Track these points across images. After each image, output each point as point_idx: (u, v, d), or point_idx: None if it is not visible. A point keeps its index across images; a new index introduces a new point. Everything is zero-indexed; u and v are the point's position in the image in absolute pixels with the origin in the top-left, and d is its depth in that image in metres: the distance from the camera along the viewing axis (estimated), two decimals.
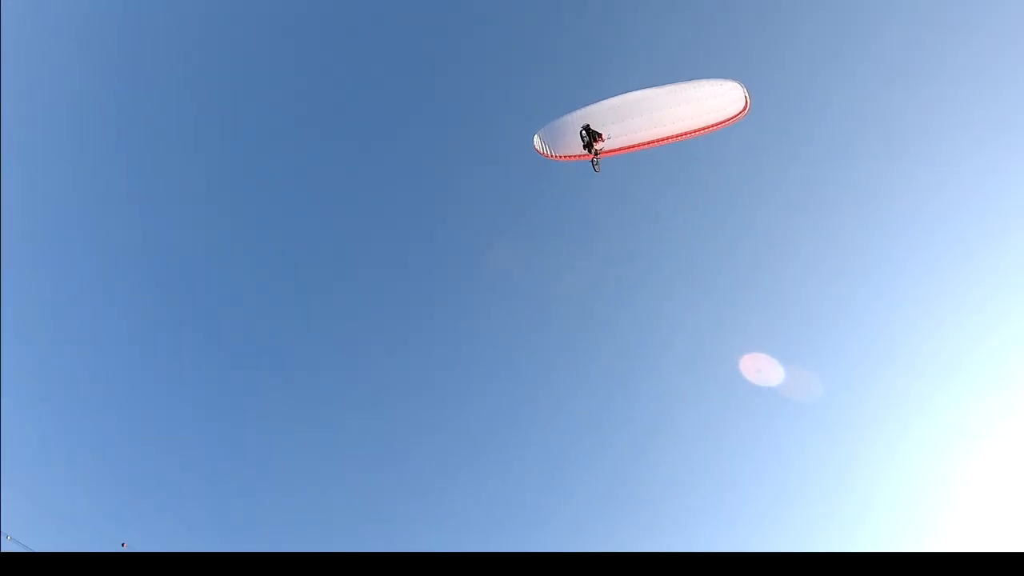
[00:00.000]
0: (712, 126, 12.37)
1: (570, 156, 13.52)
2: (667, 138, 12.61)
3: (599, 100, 13.73)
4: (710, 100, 12.40)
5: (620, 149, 13.29)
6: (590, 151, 15.69)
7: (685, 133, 12.48)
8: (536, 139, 14.05)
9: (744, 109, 12.62)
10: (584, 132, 15.57)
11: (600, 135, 15.40)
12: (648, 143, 12.46)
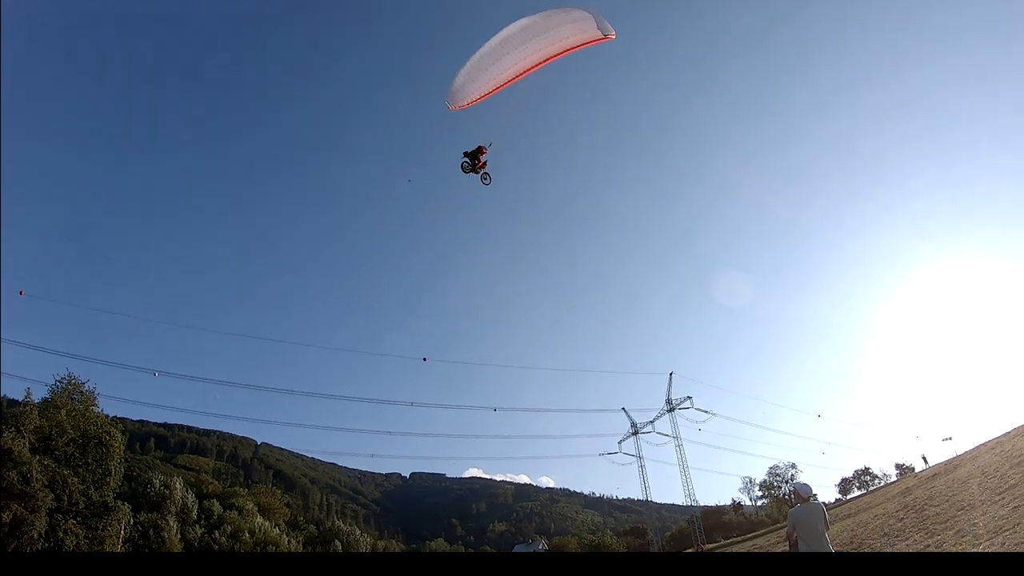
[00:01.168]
0: (573, 48, 12.05)
1: (479, 97, 12.50)
2: (534, 67, 12.19)
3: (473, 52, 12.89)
4: (565, 27, 12.02)
5: (499, 87, 12.42)
6: (475, 168, 15.49)
7: (549, 59, 12.09)
8: (447, 103, 12.92)
9: (600, 36, 12.02)
10: (465, 160, 15.38)
11: (481, 148, 15.26)
12: (519, 76, 12.10)
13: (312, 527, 78.76)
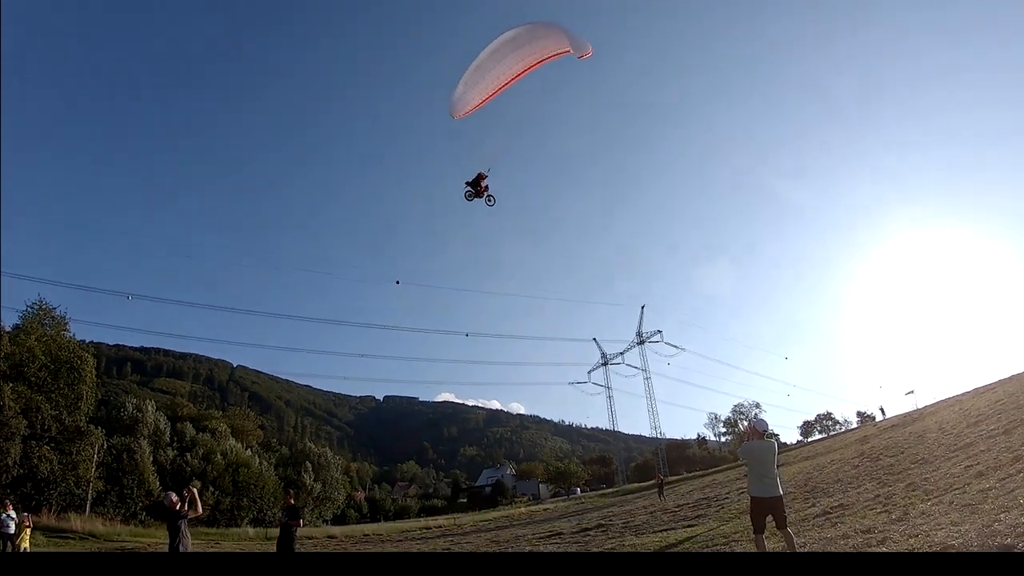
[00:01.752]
0: (553, 57, 12.72)
1: (477, 105, 13.44)
2: (521, 74, 12.95)
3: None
4: (547, 40, 12.73)
5: (493, 95, 13.31)
6: (479, 193, 16.26)
7: (533, 67, 12.97)
8: (450, 114, 13.85)
9: (574, 51, 12.47)
10: (467, 188, 16.20)
11: (481, 175, 16.01)
12: (508, 83, 12.98)
13: (284, 449, 79.45)
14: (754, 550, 10.00)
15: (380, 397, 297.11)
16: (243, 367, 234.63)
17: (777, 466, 9.46)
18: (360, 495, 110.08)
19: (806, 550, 10.78)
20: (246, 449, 61.48)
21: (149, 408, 55.51)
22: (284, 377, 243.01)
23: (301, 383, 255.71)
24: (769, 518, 9.19)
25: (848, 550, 9.43)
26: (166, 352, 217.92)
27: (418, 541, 32.43)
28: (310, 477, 69.05)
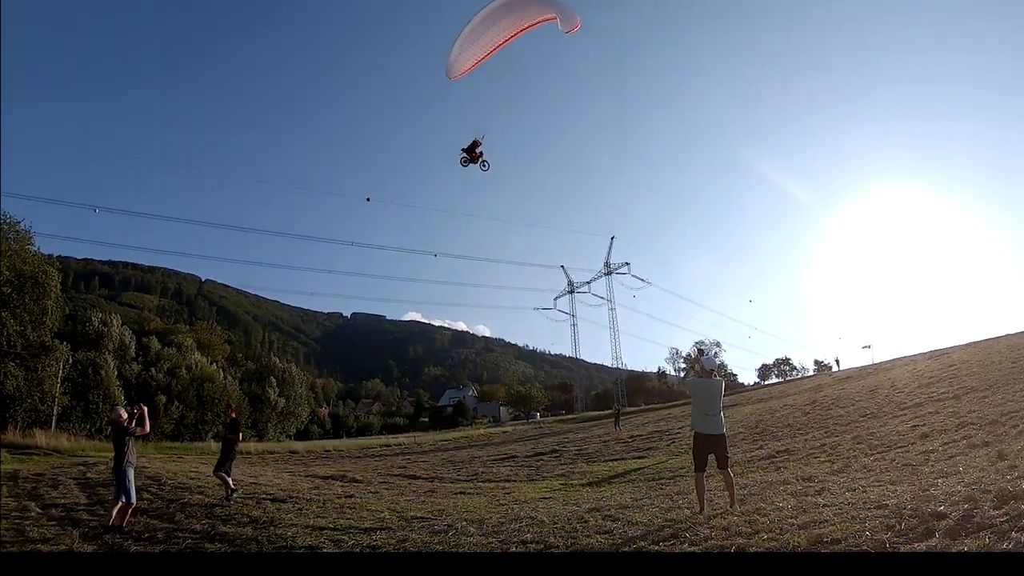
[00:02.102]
0: (541, 22, 13.04)
1: (471, 66, 13.78)
2: (512, 37, 13.26)
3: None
4: (535, 7, 13.03)
5: (486, 56, 13.64)
6: (475, 159, 16.70)
7: (523, 30, 13.22)
8: (447, 75, 14.17)
9: (561, 24, 12.72)
10: (463, 155, 16.64)
11: (476, 142, 16.46)
12: (500, 45, 13.35)
13: (250, 364, 79.01)
14: (693, 487, 10.15)
15: (348, 314, 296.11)
16: (212, 281, 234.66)
17: (724, 406, 9.48)
18: (324, 411, 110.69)
19: (745, 492, 10.99)
20: (211, 364, 61.05)
21: (115, 323, 54.62)
22: (253, 292, 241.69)
23: (270, 298, 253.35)
24: (712, 457, 9.21)
25: (786, 496, 9.56)
26: (134, 266, 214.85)
27: (376, 458, 32.80)
28: (274, 392, 68.61)
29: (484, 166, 16.72)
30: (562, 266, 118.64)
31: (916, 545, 5.55)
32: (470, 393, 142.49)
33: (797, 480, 11.63)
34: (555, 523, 9.33)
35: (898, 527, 6.19)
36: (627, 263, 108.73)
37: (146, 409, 11.87)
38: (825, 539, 6.22)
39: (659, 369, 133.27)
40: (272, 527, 10.27)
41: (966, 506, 6.41)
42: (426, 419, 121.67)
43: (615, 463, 21.96)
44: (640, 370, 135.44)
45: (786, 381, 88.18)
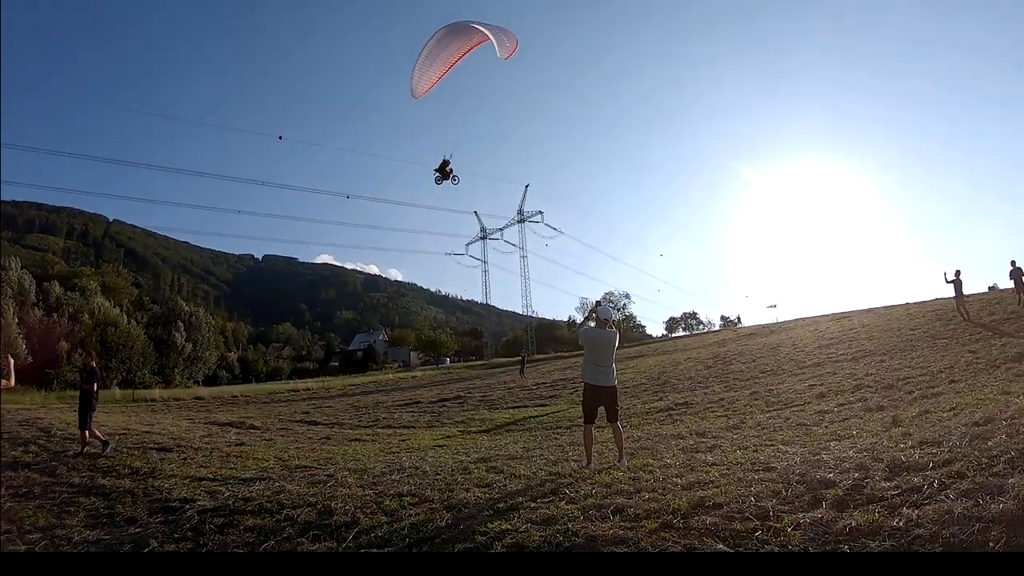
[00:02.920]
0: (479, 43, 14.02)
1: (440, 75, 14.63)
2: (465, 54, 14.28)
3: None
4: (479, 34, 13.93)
5: (441, 76, 14.61)
6: (447, 176, 18.04)
7: (468, 50, 14.29)
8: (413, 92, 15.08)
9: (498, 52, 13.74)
10: (436, 174, 17.99)
11: (446, 161, 17.88)
12: (459, 60, 14.33)
13: (156, 307, 76.34)
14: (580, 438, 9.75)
15: (259, 256, 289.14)
16: (120, 222, 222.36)
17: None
18: (233, 356, 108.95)
19: (638, 445, 10.68)
20: (115, 307, 58.54)
21: (13, 265, 51.47)
22: (162, 233, 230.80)
23: (180, 239, 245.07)
24: (602, 410, 8.88)
25: (677, 452, 9.30)
26: (39, 206, 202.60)
27: (282, 404, 32.52)
28: (181, 337, 66.75)
29: (455, 180, 18.13)
30: (475, 212, 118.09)
31: (801, 515, 5.15)
32: (381, 338, 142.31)
33: (691, 435, 11.41)
34: (438, 474, 9.04)
35: (784, 494, 5.82)
36: (540, 212, 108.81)
37: (12, 362, 10.82)
38: (708, 502, 5.85)
39: (569, 318, 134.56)
40: (151, 478, 9.90)
41: (856, 475, 6.04)
42: (336, 364, 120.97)
43: (516, 410, 21.98)
44: (551, 318, 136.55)
45: (692, 335, 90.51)
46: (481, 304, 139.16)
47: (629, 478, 7.44)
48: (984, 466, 5.58)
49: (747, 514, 5.36)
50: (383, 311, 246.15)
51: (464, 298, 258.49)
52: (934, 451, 6.46)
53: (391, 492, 7.78)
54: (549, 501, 6.70)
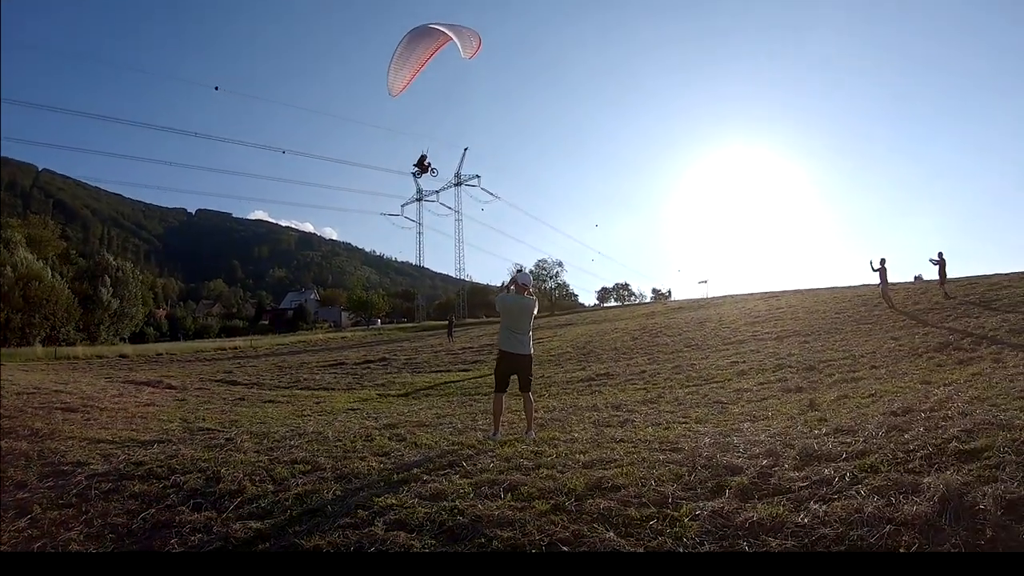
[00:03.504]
0: (443, 44, 14.58)
1: (412, 75, 15.09)
2: (432, 54, 14.81)
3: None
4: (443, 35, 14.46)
5: (413, 76, 15.07)
6: (425, 169, 18.98)
7: (435, 51, 14.83)
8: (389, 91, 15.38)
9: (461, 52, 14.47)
10: (415, 169, 19.03)
11: (423, 156, 18.82)
12: (427, 60, 14.85)
13: (82, 260, 73.29)
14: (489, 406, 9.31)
15: (192, 211, 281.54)
16: (49, 171, 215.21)
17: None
18: (162, 313, 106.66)
19: (551, 416, 10.30)
20: (39, 260, 55.89)
21: None
22: (93, 184, 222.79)
23: (111, 191, 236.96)
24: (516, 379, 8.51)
25: (588, 426, 8.99)
26: None
27: (207, 363, 32.01)
28: (108, 292, 64.14)
29: (433, 172, 19.36)
30: (412, 173, 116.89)
31: (701, 504, 4.73)
32: (312, 297, 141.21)
33: (607, 407, 11.05)
34: (339, 440, 8.61)
35: (688, 478, 5.41)
36: (478, 176, 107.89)
37: None
38: (606, 484, 5.44)
39: (503, 283, 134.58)
40: (49, 440, 9.16)
41: (765, 461, 5.64)
42: (266, 322, 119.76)
43: (439, 374, 21.82)
44: (484, 283, 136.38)
45: (624, 305, 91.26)
46: (415, 266, 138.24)
47: (531, 452, 7.09)
48: (899, 461, 5.22)
49: (645, 499, 4.96)
50: (317, 270, 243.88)
51: (399, 259, 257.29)
52: (848, 440, 6.11)
53: (286, 459, 7.42)
54: (444, 474, 6.35)
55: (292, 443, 8.49)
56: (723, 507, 4.61)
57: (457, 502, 5.33)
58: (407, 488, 5.88)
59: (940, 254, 24.37)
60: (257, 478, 6.61)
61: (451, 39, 13.62)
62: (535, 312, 8.67)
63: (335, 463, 7.08)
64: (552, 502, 5.15)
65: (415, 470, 6.58)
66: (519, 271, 9.09)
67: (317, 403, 15.32)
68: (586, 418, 9.82)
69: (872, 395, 9.20)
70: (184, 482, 6.61)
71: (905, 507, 4.20)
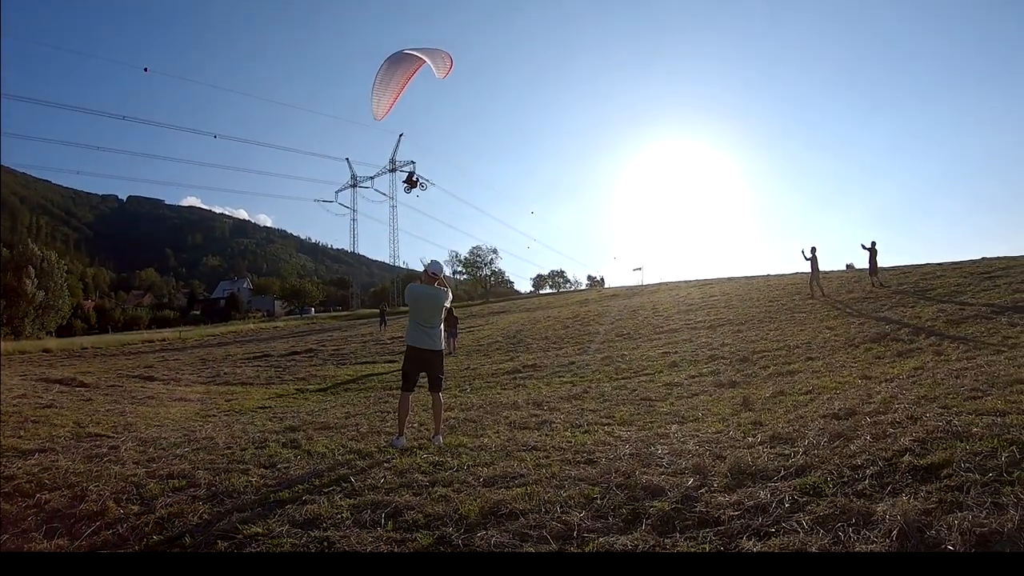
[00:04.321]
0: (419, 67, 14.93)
1: (393, 99, 15.44)
2: (410, 77, 15.12)
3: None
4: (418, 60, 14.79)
5: (397, 98, 15.36)
6: (415, 184, 19.47)
7: (412, 75, 15.16)
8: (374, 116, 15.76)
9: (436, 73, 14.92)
10: (405, 185, 19.57)
11: (411, 173, 20.01)
12: (406, 83, 15.26)
13: (6, 251, 70.19)
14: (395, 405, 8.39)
15: (124, 197, 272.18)
16: None
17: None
18: (90, 304, 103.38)
19: (465, 416, 9.41)
20: None
21: None
22: (20, 170, 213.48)
23: (38, 176, 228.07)
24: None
25: (501, 429, 8.19)
26: None
27: (131, 356, 31.20)
28: (32, 284, 61.32)
29: (423, 186, 20.02)
30: (347, 159, 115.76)
31: (612, 539, 3.89)
32: (245, 285, 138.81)
33: (528, 404, 10.26)
34: (229, 448, 7.86)
35: (599, 503, 4.56)
36: (413, 162, 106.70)
37: None
38: (504, 509, 4.62)
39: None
40: None
41: (692, 480, 4.79)
42: (198, 312, 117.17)
43: (363, 366, 21.35)
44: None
45: (559, 292, 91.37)
46: (351, 253, 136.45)
47: (431, 464, 6.29)
48: (847, 480, 4.39)
49: (546, 531, 4.12)
50: (251, 258, 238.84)
51: (335, 247, 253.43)
52: (787, 452, 5.31)
53: (163, 471, 6.60)
54: (327, 492, 5.52)
55: (178, 452, 7.71)
56: (636, 545, 3.76)
57: (331, 531, 4.56)
58: (281, 511, 5.11)
59: (873, 243, 24.24)
60: (124, 497, 5.80)
61: (425, 62, 14.07)
62: (447, 304, 7.91)
63: (213, 477, 6.25)
64: (438, 533, 4.35)
65: (298, 487, 5.78)
66: (432, 261, 8.16)
67: (228, 401, 14.67)
68: (502, 418, 9.00)
69: (810, 392, 8.54)
70: (47, 501, 5.79)
71: (856, 544, 3.40)
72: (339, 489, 5.60)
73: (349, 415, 10.70)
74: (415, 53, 14.19)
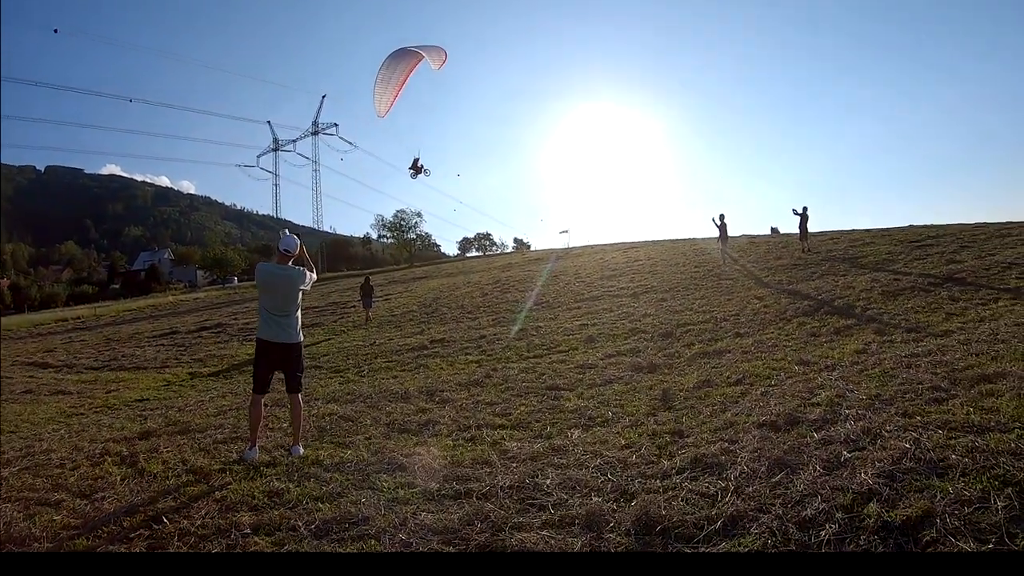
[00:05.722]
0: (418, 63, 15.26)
1: (395, 95, 15.73)
2: (409, 73, 15.50)
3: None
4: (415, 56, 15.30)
5: (397, 95, 15.73)
6: (419, 171, 19.78)
7: (411, 70, 15.52)
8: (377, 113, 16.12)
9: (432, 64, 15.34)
10: (411, 171, 19.85)
11: (416, 160, 19.76)
12: (405, 80, 15.60)
13: None
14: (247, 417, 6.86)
15: (42, 168, 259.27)
16: None
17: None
18: (5, 283, 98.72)
19: (340, 415, 7.88)
20: None
21: None
22: None
23: None
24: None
25: (375, 432, 6.92)
26: None
27: (37, 338, 30.16)
28: None
29: (427, 173, 20.07)
30: (268, 121, 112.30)
31: None
32: (166, 256, 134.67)
33: (420, 394, 8.94)
34: (60, 466, 6.52)
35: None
36: (336, 124, 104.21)
37: None
38: None
39: (365, 235, 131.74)
40: None
41: (580, 542, 3.44)
42: (118, 286, 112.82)
43: None
44: (347, 235, 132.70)
45: (485, 255, 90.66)
46: (275, 219, 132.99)
47: (267, 494, 5.00)
48: (796, 543, 3.14)
49: None
50: (175, 227, 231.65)
51: (260, 213, 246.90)
52: (712, 489, 3.96)
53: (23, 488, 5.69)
54: (129, 542, 4.31)
55: (2, 474, 6.35)
56: None
57: None
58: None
59: (804, 208, 23.57)
60: None
61: (423, 57, 14.54)
62: (305, 287, 6.33)
63: (15, 515, 4.90)
64: None
65: (100, 530, 4.53)
66: (285, 234, 6.44)
67: (109, 392, 13.76)
68: (384, 415, 7.67)
69: (740, 381, 7.36)
70: None
71: None
72: (145, 534, 4.41)
73: (221, 411, 9.40)
74: (413, 49, 14.73)
